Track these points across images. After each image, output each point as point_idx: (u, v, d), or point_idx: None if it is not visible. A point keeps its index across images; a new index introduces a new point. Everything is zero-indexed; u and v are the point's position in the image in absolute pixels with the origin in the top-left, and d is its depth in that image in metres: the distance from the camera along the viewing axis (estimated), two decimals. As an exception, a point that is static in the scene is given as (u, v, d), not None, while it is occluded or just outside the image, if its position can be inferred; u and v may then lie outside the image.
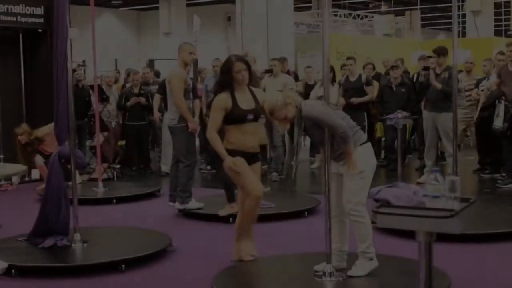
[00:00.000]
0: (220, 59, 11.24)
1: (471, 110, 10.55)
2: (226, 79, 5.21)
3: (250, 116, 5.18)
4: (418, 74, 9.94)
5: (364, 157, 4.90)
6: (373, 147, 5.14)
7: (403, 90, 10.40)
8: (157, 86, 10.74)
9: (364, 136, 5.04)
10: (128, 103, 10.94)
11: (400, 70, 10.69)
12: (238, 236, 5.45)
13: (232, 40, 27.44)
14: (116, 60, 19.42)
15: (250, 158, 5.25)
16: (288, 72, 11.19)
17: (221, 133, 5.28)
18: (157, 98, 10.12)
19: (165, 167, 10.84)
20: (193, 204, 7.51)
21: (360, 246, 4.92)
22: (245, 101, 5.21)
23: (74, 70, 10.68)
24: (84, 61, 15.18)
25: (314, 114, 4.86)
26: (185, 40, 8.91)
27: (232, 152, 5.16)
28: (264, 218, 7.20)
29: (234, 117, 5.15)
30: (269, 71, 10.24)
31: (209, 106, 5.33)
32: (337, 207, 5.00)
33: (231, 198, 7.26)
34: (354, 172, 4.81)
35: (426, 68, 9.44)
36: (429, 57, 10.35)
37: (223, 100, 5.17)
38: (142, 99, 10.96)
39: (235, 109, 5.15)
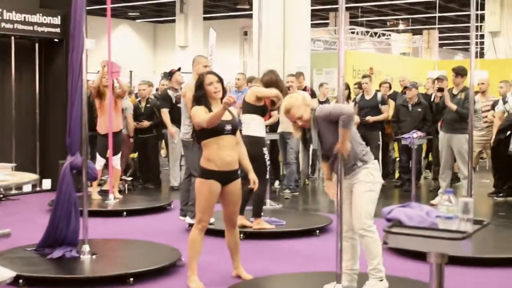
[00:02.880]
0: (238, 73, 11.30)
1: (487, 132, 10.52)
2: (200, 93, 5.23)
3: (228, 127, 5.17)
4: (434, 95, 9.89)
5: (373, 172, 4.97)
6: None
7: (419, 109, 10.36)
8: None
9: (372, 155, 5.12)
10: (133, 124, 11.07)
11: (415, 90, 10.65)
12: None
13: (248, 55, 27.52)
14: (131, 72, 19.48)
15: (228, 177, 5.25)
16: (305, 89, 11.19)
17: (201, 151, 5.31)
18: (165, 112, 10.20)
19: (174, 181, 10.87)
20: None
21: (371, 263, 4.91)
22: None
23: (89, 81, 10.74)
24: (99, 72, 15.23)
25: (324, 110, 4.94)
26: (200, 54, 8.93)
27: (209, 173, 5.16)
28: (275, 236, 7.21)
29: (211, 128, 5.13)
30: (285, 89, 10.24)
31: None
32: (349, 224, 5.00)
33: (258, 213, 7.27)
34: (345, 154, 4.82)
35: (440, 90, 9.41)
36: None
37: (200, 108, 5.17)
38: (145, 124, 11.03)
39: None
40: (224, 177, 5.22)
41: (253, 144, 7.07)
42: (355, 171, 4.94)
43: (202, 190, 5.20)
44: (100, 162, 9.30)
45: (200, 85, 5.24)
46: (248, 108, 7.41)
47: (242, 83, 11.18)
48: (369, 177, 4.92)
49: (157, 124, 11.13)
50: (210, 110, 5.16)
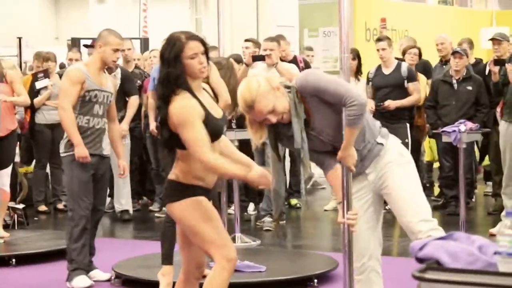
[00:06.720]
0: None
1: None
2: (177, 71, 4.96)
3: (224, 128, 5.14)
4: (489, 69, 9.96)
5: (403, 150, 5.18)
6: (420, 178, 5.21)
7: (469, 88, 10.36)
8: None
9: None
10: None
11: (466, 59, 10.59)
12: None
13: (203, 10, 27.54)
14: (19, 40, 19.39)
15: (209, 198, 5.24)
16: (294, 59, 11.17)
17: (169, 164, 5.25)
18: None
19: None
20: (80, 282, 7.53)
21: None
22: (210, 105, 5.10)
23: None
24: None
25: (314, 81, 4.87)
26: (125, 11, 8.90)
27: (197, 190, 5.08)
28: (250, 288, 7.21)
29: (210, 133, 4.98)
30: (259, 58, 10.18)
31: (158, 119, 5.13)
32: (366, 249, 5.03)
33: (167, 259, 7.19)
34: (351, 168, 4.86)
35: (499, 62, 9.40)
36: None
37: (195, 106, 4.94)
38: None
39: (210, 119, 4.98)
40: (208, 197, 5.22)
41: None
42: (378, 152, 5.01)
43: (201, 213, 5.07)
44: None
45: (176, 57, 4.97)
46: None
47: None
48: (402, 156, 5.09)
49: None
50: (198, 100, 5.00)
